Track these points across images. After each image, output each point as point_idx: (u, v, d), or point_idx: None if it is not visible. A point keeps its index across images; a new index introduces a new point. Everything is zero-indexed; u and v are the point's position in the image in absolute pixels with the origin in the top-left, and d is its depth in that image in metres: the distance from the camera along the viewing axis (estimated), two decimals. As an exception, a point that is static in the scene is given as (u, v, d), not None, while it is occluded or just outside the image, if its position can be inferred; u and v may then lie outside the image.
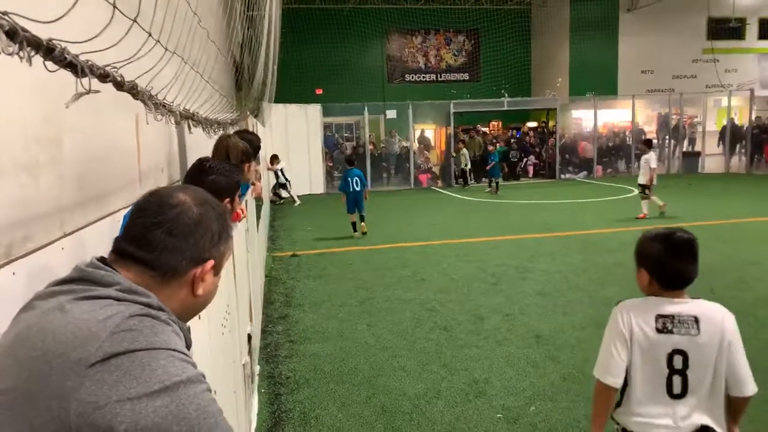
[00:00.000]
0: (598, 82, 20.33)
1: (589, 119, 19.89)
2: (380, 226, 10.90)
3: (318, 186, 17.20)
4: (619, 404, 2.01)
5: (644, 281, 2.02)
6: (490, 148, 17.44)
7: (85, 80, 0.93)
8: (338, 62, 20.07)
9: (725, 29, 21.51)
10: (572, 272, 6.95)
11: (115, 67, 1.04)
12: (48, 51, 0.79)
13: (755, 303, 5.55)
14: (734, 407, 1.99)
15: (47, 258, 1.29)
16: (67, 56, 0.83)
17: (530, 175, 19.66)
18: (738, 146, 19.62)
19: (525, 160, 19.68)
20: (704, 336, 1.90)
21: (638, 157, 18.86)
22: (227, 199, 2.03)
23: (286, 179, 14.74)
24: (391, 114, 18.60)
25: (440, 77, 22.49)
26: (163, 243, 0.98)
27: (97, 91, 0.91)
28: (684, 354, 1.89)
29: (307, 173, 16.75)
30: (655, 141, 21.11)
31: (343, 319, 5.56)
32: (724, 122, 20.00)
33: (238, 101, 5.72)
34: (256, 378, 4.12)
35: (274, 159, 13.98)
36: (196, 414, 0.83)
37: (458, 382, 4.12)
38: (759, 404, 3.62)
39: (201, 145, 3.06)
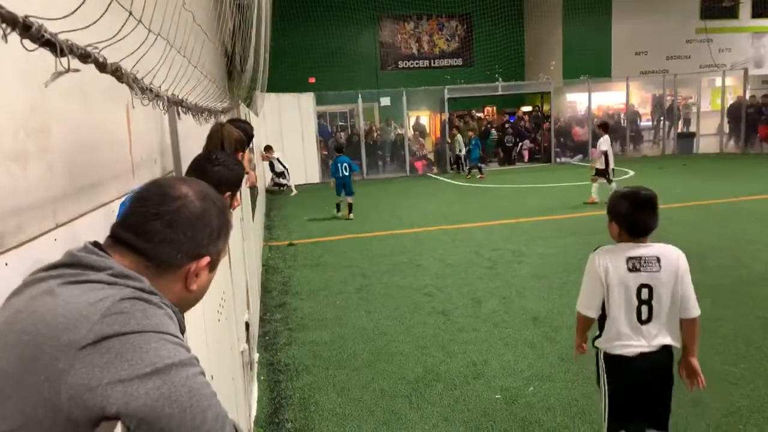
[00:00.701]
0: (592, 64, 20.27)
1: (584, 102, 19.85)
2: (376, 214, 10.90)
3: (313, 175, 17.15)
4: (599, 336, 2.48)
5: (615, 232, 2.46)
6: (470, 133, 17.50)
7: (66, 61, 0.91)
8: (331, 50, 19.94)
9: (718, 8, 21.43)
10: (568, 254, 6.97)
11: (96, 47, 1.02)
12: (25, 28, 0.77)
13: (750, 281, 5.58)
14: (686, 331, 2.44)
15: (40, 249, 1.28)
16: (45, 34, 0.81)
17: (526, 159, 19.63)
18: (743, 126, 19.43)
19: (520, 144, 19.66)
20: (664, 272, 2.36)
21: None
22: (228, 193, 2.03)
23: (284, 168, 14.67)
24: (385, 101, 18.53)
25: (434, 63, 22.38)
26: (161, 235, 0.97)
27: (77, 70, 0.90)
28: (649, 287, 2.35)
29: (302, 162, 16.69)
30: (649, 122, 21.15)
31: (341, 306, 5.57)
32: (729, 101, 19.89)
33: (230, 91, 5.68)
34: (256, 366, 4.13)
35: (268, 149, 13.92)
36: (188, 396, 0.82)
37: (457, 365, 4.14)
38: (754, 379, 3.66)
39: (194, 135, 3.04)
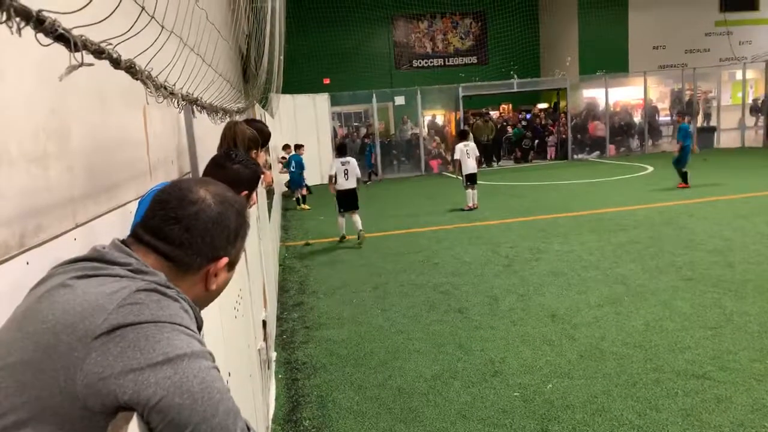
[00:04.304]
0: (608, 59, 20.03)
1: (601, 98, 19.62)
2: (392, 213, 10.90)
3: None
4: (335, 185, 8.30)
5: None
6: (366, 139, 17.91)
7: (80, 57, 0.92)
8: (345, 51, 19.99)
9: (738, 0, 21.04)
10: (586, 251, 6.89)
11: (110, 44, 1.03)
12: (38, 22, 0.78)
13: (774, 275, 5.47)
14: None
15: (60, 248, 1.30)
16: (58, 29, 0.82)
17: (551, 156, 19.36)
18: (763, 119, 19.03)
19: (536, 141, 19.50)
20: (351, 165, 8.30)
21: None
22: (245, 192, 2.03)
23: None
24: (400, 100, 18.51)
25: (448, 61, 22.30)
26: (180, 239, 0.99)
27: (91, 64, 0.90)
28: (349, 167, 8.26)
29: (317, 163, 16.75)
30: (668, 117, 20.80)
31: (358, 305, 5.58)
32: (750, 95, 19.57)
33: (245, 92, 5.72)
34: (273, 364, 4.16)
35: (286, 148, 13.99)
36: (200, 387, 0.82)
37: (474, 363, 4.12)
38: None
39: (210, 137, 3.06)
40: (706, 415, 3.23)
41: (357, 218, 8.26)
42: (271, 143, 7.69)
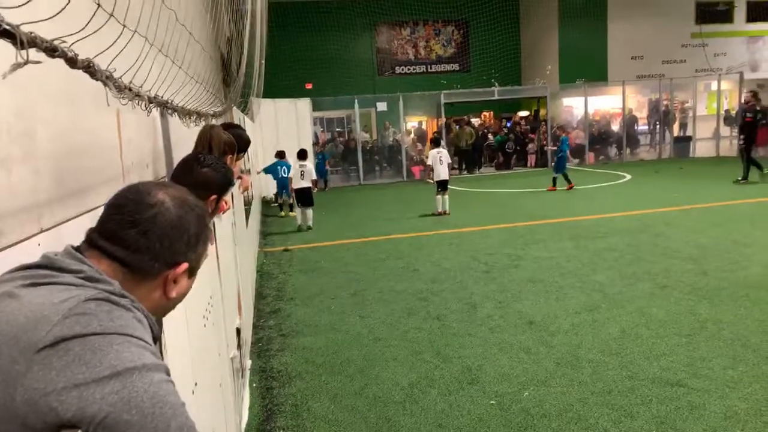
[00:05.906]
0: (588, 68, 20.33)
1: (580, 106, 19.88)
2: (372, 219, 10.87)
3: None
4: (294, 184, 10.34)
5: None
6: (316, 147, 17.82)
7: (29, 54, 0.87)
8: (327, 56, 19.97)
9: (713, 12, 21.56)
10: (564, 258, 6.93)
11: (64, 41, 0.99)
12: (-22, 17, 0.74)
13: (748, 284, 5.55)
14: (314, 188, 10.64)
15: (23, 254, 1.24)
16: (2, 24, 0.78)
17: (531, 164, 19.53)
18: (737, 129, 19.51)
19: (516, 148, 19.68)
20: (308, 165, 10.32)
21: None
22: (214, 196, 1.97)
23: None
24: (382, 106, 18.54)
25: (430, 68, 22.44)
26: (136, 243, 0.94)
27: (38, 62, 0.86)
28: (305, 169, 10.24)
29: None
30: (646, 126, 21.14)
31: (336, 312, 5.52)
32: (725, 105, 20.08)
33: (225, 96, 5.65)
34: (247, 372, 4.08)
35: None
36: (150, 402, 0.78)
37: (451, 370, 4.09)
38: (752, 382, 3.62)
39: (188, 141, 3.00)
40: (680, 422, 3.25)
41: (310, 214, 10.13)
42: (251, 149, 7.61)
